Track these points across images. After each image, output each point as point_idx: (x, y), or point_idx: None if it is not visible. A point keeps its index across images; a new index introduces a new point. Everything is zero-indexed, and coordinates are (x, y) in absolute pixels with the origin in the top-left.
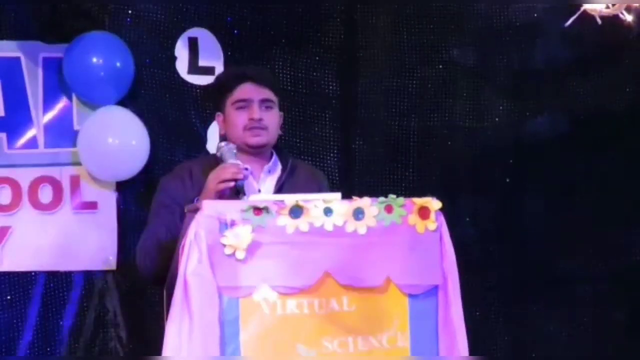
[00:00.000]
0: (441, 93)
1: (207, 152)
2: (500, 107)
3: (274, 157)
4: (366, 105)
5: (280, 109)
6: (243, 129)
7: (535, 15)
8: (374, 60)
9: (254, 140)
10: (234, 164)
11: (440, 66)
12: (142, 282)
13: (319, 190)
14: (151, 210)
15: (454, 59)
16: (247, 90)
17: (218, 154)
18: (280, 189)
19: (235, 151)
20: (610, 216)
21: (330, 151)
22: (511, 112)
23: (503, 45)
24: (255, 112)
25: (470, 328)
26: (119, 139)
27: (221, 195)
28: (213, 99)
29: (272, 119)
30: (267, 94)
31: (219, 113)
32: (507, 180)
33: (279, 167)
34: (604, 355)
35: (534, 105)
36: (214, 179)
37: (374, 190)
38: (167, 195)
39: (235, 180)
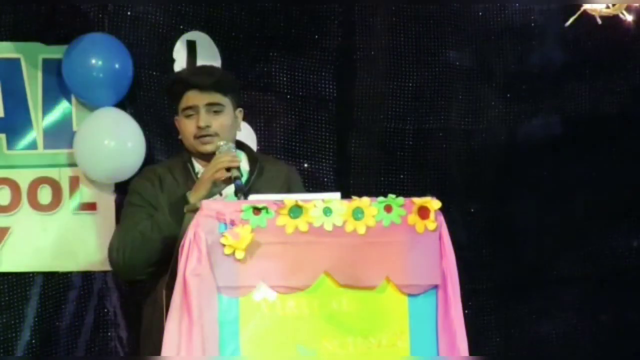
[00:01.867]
0: (437, 95)
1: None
2: (496, 110)
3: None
4: (363, 108)
5: (240, 105)
6: (193, 137)
7: (532, 17)
8: (371, 62)
9: (204, 148)
10: (229, 153)
11: (437, 68)
12: (142, 282)
13: (287, 189)
14: (123, 212)
15: (450, 61)
16: (192, 97)
17: (217, 154)
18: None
19: (234, 151)
20: (602, 218)
21: (326, 153)
22: (507, 115)
23: (499, 47)
24: (202, 119)
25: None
26: (114, 140)
27: (216, 184)
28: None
29: (222, 123)
30: (214, 97)
31: (176, 117)
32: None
33: (245, 169)
34: (595, 356)
35: (529, 108)
36: (210, 168)
37: (369, 192)
38: (138, 195)
39: (230, 168)
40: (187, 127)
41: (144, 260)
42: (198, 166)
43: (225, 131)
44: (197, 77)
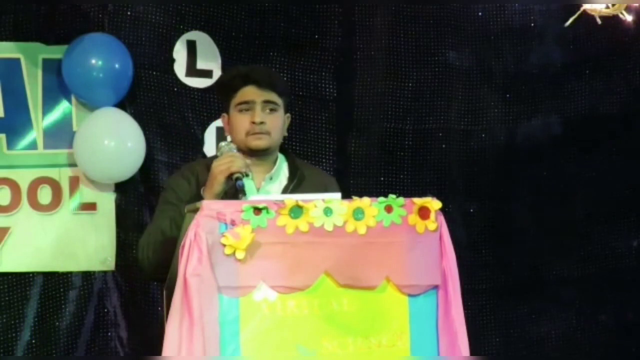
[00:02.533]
0: (437, 95)
1: (204, 155)
2: (496, 110)
3: (278, 163)
4: (362, 108)
5: (287, 111)
6: (245, 132)
7: (532, 17)
8: (371, 62)
9: (255, 143)
10: (230, 153)
11: (437, 69)
12: (142, 282)
13: None
14: (157, 208)
15: (450, 61)
16: (250, 92)
17: (218, 154)
18: None
19: (235, 151)
20: (603, 219)
21: (325, 153)
22: (506, 115)
23: (499, 47)
24: (257, 115)
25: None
26: (114, 140)
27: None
28: (219, 99)
29: (275, 123)
30: (271, 96)
31: (224, 114)
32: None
33: (285, 175)
34: (595, 356)
35: (529, 108)
36: (216, 167)
37: (369, 192)
38: (173, 193)
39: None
40: (241, 122)
41: (167, 260)
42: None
43: (277, 131)
44: (258, 74)
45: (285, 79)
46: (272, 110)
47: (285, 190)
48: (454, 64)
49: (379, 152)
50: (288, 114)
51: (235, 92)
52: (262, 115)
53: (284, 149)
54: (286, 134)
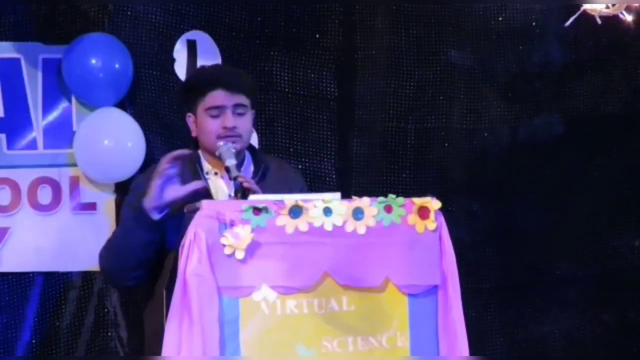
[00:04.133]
0: (438, 95)
1: None
2: (498, 109)
3: (246, 160)
4: (364, 107)
5: (253, 107)
6: (217, 137)
7: (533, 17)
8: (372, 61)
9: (232, 147)
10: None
11: (438, 68)
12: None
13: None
14: (121, 212)
15: (451, 60)
16: (220, 96)
17: (217, 154)
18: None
19: (233, 150)
20: (604, 218)
21: (327, 153)
22: (508, 114)
23: (500, 47)
24: (229, 120)
25: (466, 329)
26: (114, 140)
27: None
28: (184, 99)
29: (245, 125)
30: (240, 99)
31: (189, 114)
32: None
33: (251, 170)
34: (598, 356)
35: (531, 107)
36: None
37: (371, 192)
38: (135, 197)
39: (229, 169)
40: (212, 126)
41: (120, 265)
42: (207, 166)
43: (247, 133)
44: (228, 77)
45: (285, 78)
46: (240, 113)
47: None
48: (455, 63)
49: (381, 152)
50: (253, 111)
51: (204, 96)
52: (233, 119)
53: (250, 145)
54: (253, 131)
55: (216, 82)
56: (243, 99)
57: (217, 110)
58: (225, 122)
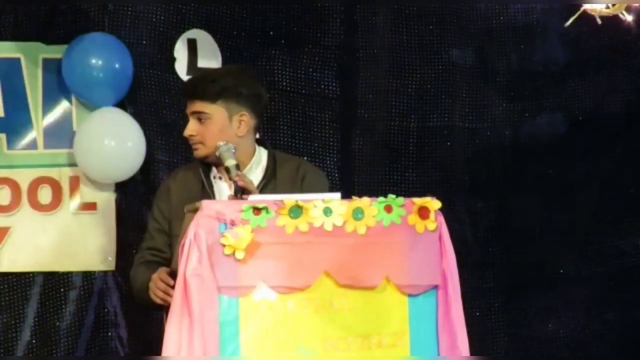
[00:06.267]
0: (440, 93)
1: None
2: (500, 108)
3: (252, 161)
4: (366, 106)
5: (238, 110)
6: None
7: (535, 16)
8: (374, 60)
9: (194, 154)
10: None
11: (440, 67)
12: None
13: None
14: (146, 232)
15: (453, 59)
16: (187, 105)
17: (217, 154)
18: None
19: (233, 151)
20: (607, 217)
21: (329, 151)
22: (510, 113)
23: (502, 45)
24: (187, 128)
25: (469, 328)
26: (114, 140)
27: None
28: None
29: (206, 132)
30: (198, 106)
31: None
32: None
33: (259, 171)
34: (602, 355)
35: (533, 106)
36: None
37: (373, 190)
38: (154, 222)
39: (229, 169)
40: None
41: (144, 303)
42: (214, 170)
43: (211, 139)
44: (188, 85)
45: (287, 77)
46: (201, 120)
47: (259, 184)
48: (457, 61)
49: (384, 150)
50: (242, 113)
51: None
52: (191, 126)
53: (266, 144)
54: (241, 134)
55: (184, 92)
56: (201, 106)
57: (188, 118)
58: (185, 130)
